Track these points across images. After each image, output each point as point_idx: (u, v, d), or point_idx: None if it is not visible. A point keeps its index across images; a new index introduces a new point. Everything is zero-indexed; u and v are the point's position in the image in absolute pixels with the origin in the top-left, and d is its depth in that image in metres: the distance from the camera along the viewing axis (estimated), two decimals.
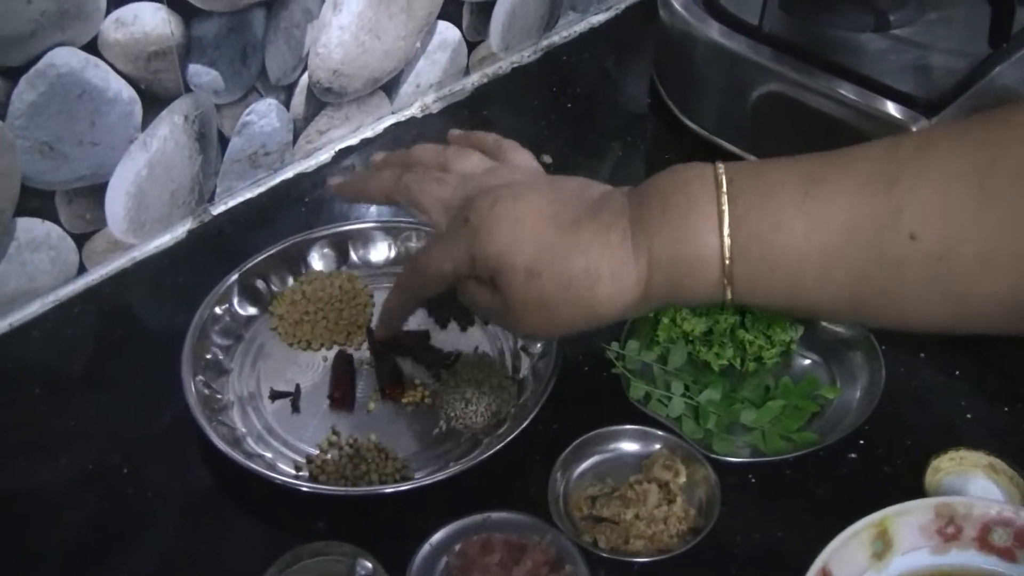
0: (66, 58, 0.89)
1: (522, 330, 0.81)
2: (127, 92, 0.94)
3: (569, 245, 0.74)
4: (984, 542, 0.73)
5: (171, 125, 0.99)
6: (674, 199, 0.73)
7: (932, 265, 0.67)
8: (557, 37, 1.32)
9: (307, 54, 1.07)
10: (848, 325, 0.93)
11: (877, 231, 0.68)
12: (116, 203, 0.99)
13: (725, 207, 0.71)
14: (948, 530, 0.73)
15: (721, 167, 0.72)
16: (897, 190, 0.68)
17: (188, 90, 0.99)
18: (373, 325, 0.96)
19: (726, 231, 0.70)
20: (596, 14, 1.35)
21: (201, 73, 0.99)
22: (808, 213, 0.69)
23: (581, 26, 1.34)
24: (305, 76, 1.08)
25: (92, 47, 0.90)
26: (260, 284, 0.98)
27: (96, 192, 0.97)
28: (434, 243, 0.82)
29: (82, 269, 1.01)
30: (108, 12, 0.90)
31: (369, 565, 0.68)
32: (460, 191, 0.81)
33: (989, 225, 0.66)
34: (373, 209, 1.09)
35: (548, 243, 0.74)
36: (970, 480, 0.84)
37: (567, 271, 0.74)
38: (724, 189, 0.71)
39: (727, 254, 0.71)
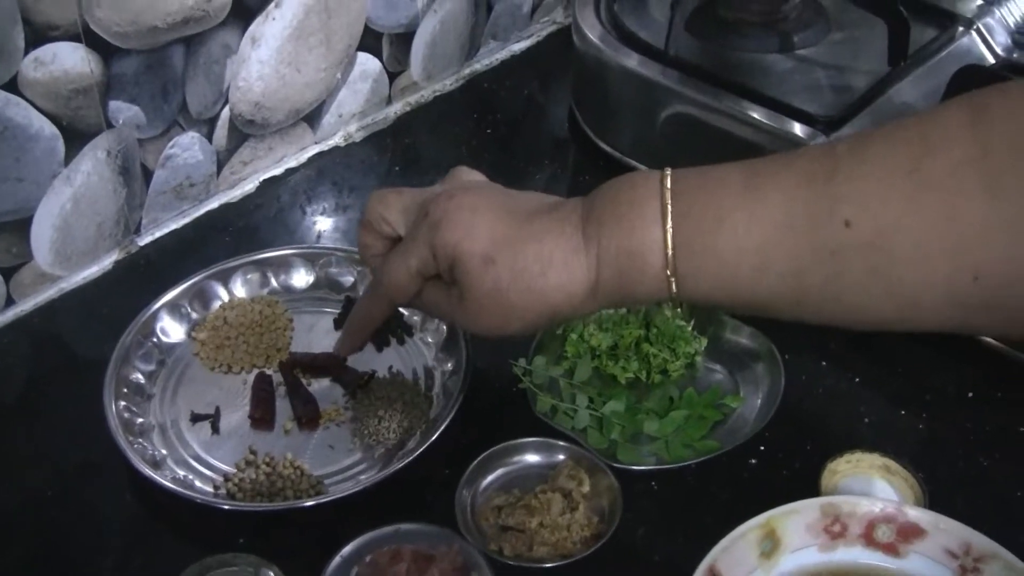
0: None
1: (480, 323, 0.81)
2: (49, 129, 0.97)
3: (523, 234, 0.77)
4: (869, 539, 0.76)
5: (94, 160, 1.02)
6: (623, 197, 0.76)
7: (868, 254, 0.69)
8: (479, 65, 1.35)
9: (228, 88, 1.10)
10: (752, 337, 0.96)
11: (813, 221, 0.70)
12: (42, 237, 1.01)
13: (668, 202, 0.74)
14: (834, 528, 0.76)
15: (668, 170, 0.76)
16: (833, 182, 0.70)
17: (110, 126, 1.02)
18: (292, 350, 1.00)
19: (669, 224, 0.73)
20: (517, 42, 1.38)
21: (122, 109, 1.02)
22: (747, 206, 0.72)
23: (502, 54, 1.37)
24: (227, 109, 1.11)
25: (12, 86, 0.93)
26: (183, 311, 1.00)
27: (21, 226, 1.00)
28: (396, 249, 0.84)
29: (10, 301, 1.03)
30: (27, 52, 0.92)
31: (271, 574, 0.70)
32: (418, 197, 0.83)
33: (923, 213, 0.68)
34: (300, 237, 1.13)
35: (503, 231, 0.77)
36: (865, 481, 0.87)
37: (520, 258, 0.77)
38: (668, 186, 0.74)
39: (670, 246, 0.74)
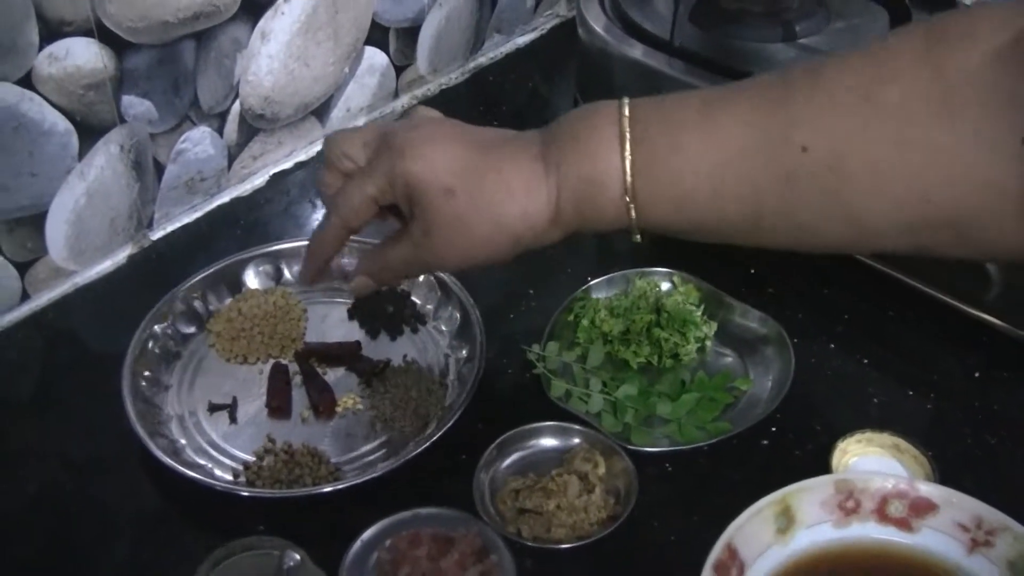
0: (1, 93, 0.92)
1: (442, 257, 0.81)
2: (63, 124, 0.98)
3: (482, 163, 0.78)
4: (882, 514, 0.77)
5: (107, 155, 1.03)
6: (580, 125, 0.78)
7: (824, 176, 0.71)
8: (484, 59, 1.37)
9: (238, 82, 1.11)
10: (761, 321, 0.98)
11: (769, 145, 0.72)
12: (56, 231, 1.02)
13: (627, 130, 0.75)
14: (848, 504, 0.77)
15: (626, 99, 0.77)
16: (788, 107, 0.72)
17: (123, 121, 1.03)
18: (306, 340, 1.01)
19: (627, 150, 0.75)
20: (521, 35, 1.40)
21: (135, 104, 1.03)
22: (703, 131, 0.74)
23: (507, 47, 1.39)
24: (237, 104, 1.12)
25: (26, 81, 0.94)
26: (197, 303, 1.02)
27: (36, 221, 1.00)
28: (354, 177, 0.83)
29: (25, 296, 1.04)
30: (41, 47, 0.93)
31: (297, 556, 0.71)
32: (378, 131, 0.83)
33: (876, 138, 0.69)
34: (310, 229, 1.13)
35: (464, 161, 0.78)
36: (875, 460, 0.89)
37: (480, 188, 0.77)
38: (626, 114, 0.76)
39: (628, 171, 0.75)
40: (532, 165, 0.78)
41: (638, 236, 0.78)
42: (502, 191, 0.77)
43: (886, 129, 0.69)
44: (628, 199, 0.76)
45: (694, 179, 0.74)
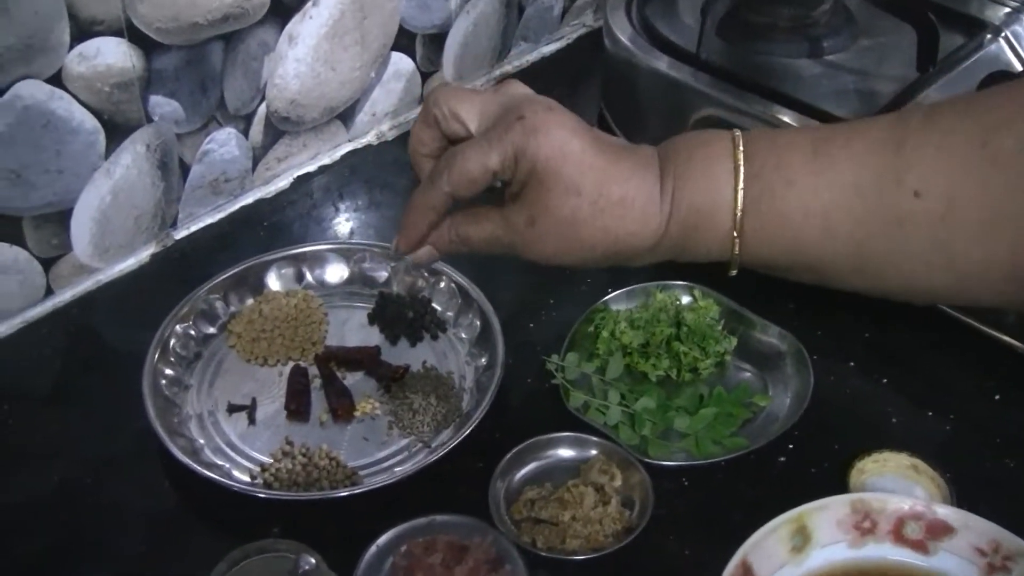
0: (31, 90, 0.93)
1: (537, 249, 0.80)
2: (90, 122, 0.98)
3: (612, 172, 0.77)
4: (898, 535, 0.77)
5: (133, 154, 1.03)
6: (697, 154, 0.78)
7: (935, 225, 0.71)
8: (509, 66, 1.37)
9: (265, 85, 1.11)
10: (781, 337, 0.97)
11: (882, 188, 0.72)
12: (81, 228, 1.03)
13: (741, 163, 0.75)
14: (864, 524, 0.77)
15: (738, 132, 0.77)
16: (903, 152, 0.72)
17: (150, 120, 1.03)
18: (326, 343, 1.01)
19: (740, 185, 0.75)
20: (547, 44, 1.40)
21: (162, 104, 1.03)
22: (817, 170, 0.74)
23: (533, 56, 1.39)
24: (263, 106, 1.12)
25: (56, 79, 0.94)
26: (219, 304, 1.02)
27: (62, 218, 1.01)
28: (473, 143, 0.79)
29: (49, 292, 1.04)
30: (71, 46, 0.94)
31: (312, 560, 0.71)
32: (496, 99, 0.80)
33: (990, 187, 0.69)
34: (332, 233, 1.14)
35: (592, 164, 0.77)
36: (892, 480, 0.88)
37: (605, 196, 0.77)
38: (741, 148, 0.76)
39: (739, 206, 0.75)
40: (652, 187, 0.77)
41: (734, 271, 0.78)
42: (623, 206, 0.77)
43: (1001, 176, 0.69)
44: (735, 234, 0.76)
45: (804, 218, 0.74)
